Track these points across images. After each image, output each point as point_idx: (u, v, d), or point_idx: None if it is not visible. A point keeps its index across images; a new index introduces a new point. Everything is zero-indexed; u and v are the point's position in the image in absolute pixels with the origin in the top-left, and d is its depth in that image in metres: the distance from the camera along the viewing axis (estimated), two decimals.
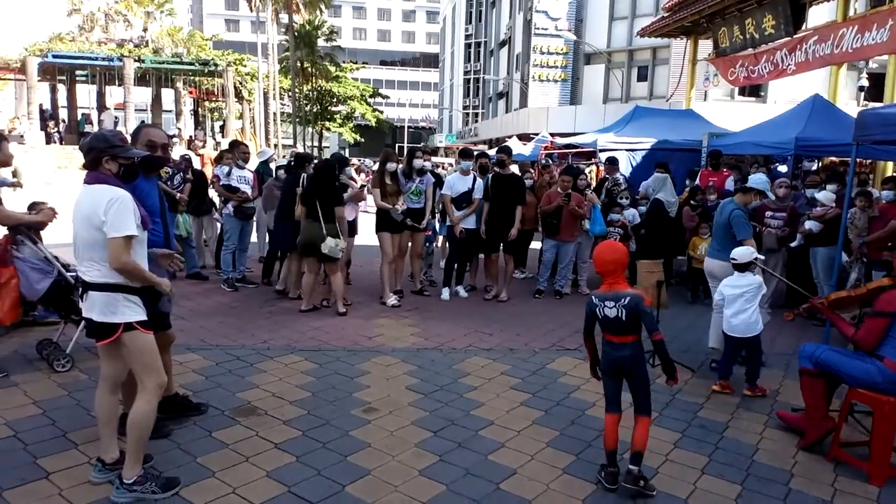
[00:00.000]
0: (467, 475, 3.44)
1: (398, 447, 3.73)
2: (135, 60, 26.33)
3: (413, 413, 4.24)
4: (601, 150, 11.18)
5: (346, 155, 12.27)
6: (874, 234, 6.58)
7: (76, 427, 3.76)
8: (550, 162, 12.56)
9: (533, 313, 7.16)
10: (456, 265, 7.77)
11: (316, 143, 47.72)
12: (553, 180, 8.73)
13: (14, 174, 9.18)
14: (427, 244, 8.36)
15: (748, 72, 12.90)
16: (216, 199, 8.62)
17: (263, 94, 35.43)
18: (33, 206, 4.92)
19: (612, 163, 9.92)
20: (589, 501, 3.25)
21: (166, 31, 34.92)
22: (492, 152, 11.38)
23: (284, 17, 39.01)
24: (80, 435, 3.66)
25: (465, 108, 48.71)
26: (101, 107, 28.91)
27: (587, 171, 9.96)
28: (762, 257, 5.20)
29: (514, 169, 8.26)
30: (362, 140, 51.07)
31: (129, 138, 3.55)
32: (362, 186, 8.61)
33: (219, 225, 8.54)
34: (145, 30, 35.58)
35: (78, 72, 28.34)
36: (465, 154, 7.88)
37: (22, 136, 23.25)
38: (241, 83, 29.89)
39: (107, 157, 3.03)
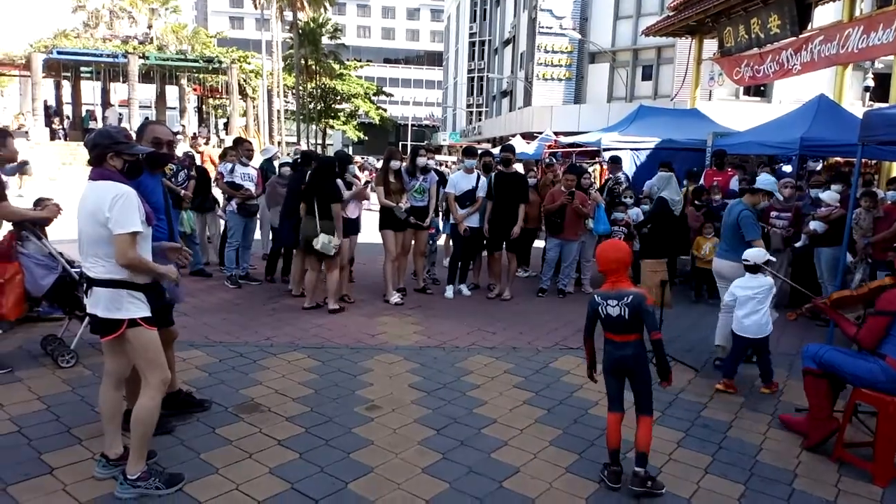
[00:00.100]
0: (470, 473, 3.44)
1: (401, 445, 3.73)
2: (139, 57, 26.37)
3: (416, 411, 4.25)
4: (605, 150, 11.16)
5: (350, 153, 12.28)
6: (879, 234, 6.56)
7: (80, 423, 3.77)
8: (554, 161, 12.55)
9: (536, 312, 7.16)
10: (459, 263, 7.77)
11: (319, 141, 47.76)
12: (557, 179, 8.72)
13: (23, 166, 9.22)
14: (430, 242, 8.35)
15: (753, 71, 12.86)
16: (220, 196, 8.63)
17: (267, 92, 35.46)
18: (38, 203, 4.94)
19: (615, 161, 9.90)
20: (592, 500, 3.25)
21: (171, 28, 35.04)
22: (495, 151, 11.38)
23: (289, 15, 39.06)
24: (85, 430, 3.67)
25: (468, 106, 48.67)
26: (106, 103, 28.99)
27: (591, 170, 9.94)
28: (774, 260, 5.20)
29: (519, 168, 8.25)
30: (366, 138, 51.09)
31: (133, 135, 3.55)
32: (366, 183, 8.59)
33: (222, 222, 8.55)
34: (150, 27, 35.67)
35: (82, 68, 28.39)
36: (468, 152, 7.86)
37: (27, 133, 23.29)
38: (245, 80, 29.93)
39: (111, 154, 3.04)
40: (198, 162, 10.11)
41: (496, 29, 41.87)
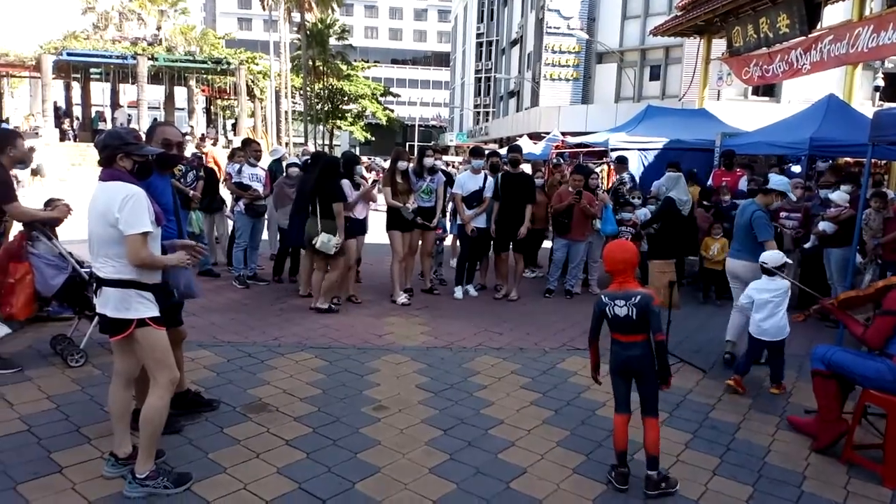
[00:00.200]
0: (477, 474, 3.44)
1: (408, 445, 3.74)
2: (148, 59, 26.52)
3: (423, 411, 4.25)
4: (613, 150, 11.14)
5: (357, 153, 12.30)
6: (889, 235, 6.52)
7: (89, 422, 3.79)
8: (561, 161, 12.53)
9: (543, 312, 7.15)
10: (467, 264, 7.77)
11: (327, 142, 47.87)
12: (564, 179, 8.71)
13: (37, 169, 9.31)
14: (437, 242, 8.36)
15: (762, 71, 12.80)
16: (228, 197, 8.67)
17: (275, 93, 35.56)
18: (49, 203, 4.98)
19: (621, 161, 9.87)
20: (599, 501, 3.24)
21: (179, 30, 35.19)
22: (503, 151, 11.37)
23: (297, 16, 39.14)
24: (94, 430, 3.69)
25: (476, 106, 48.65)
26: (115, 104, 29.14)
27: (598, 170, 9.92)
28: (791, 262, 5.19)
29: (526, 168, 8.24)
30: (373, 138, 51.15)
31: (143, 136, 3.58)
32: (374, 182, 8.59)
33: (230, 222, 8.58)
34: (159, 28, 35.83)
35: (92, 70, 28.57)
36: (476, 153, 7.85)
37: (38, 128, 23.41)
38: (253, 81, 30.02)
39: (121, 155, 3.06)
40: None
41: (503, 29, 41.83)
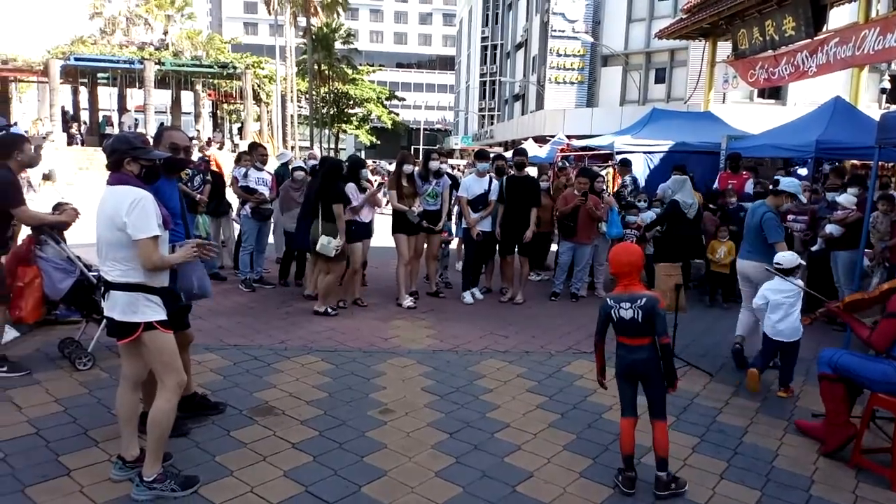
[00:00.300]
0: (483, 477, 3.44)
1: (414, 448, 3.74)
2: (155, 63, 26.67)
3: (429, 415, 4.25)
4: (618, 153, 11.12)
5: (363, 157, 12.34)
6: None
7: (97, 425, 3.81)
8: (567, 164, 12.51)
9: (549, 316, 7.14)
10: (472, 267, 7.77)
11: (332, 145, 47.99)
12: (569, 183, 8.70)
13: (49, 174, 9.38)
14: (443, 246, 8.36)
15: (768, 74, 12.76)
16: (234, 201, 8.70)
17: (281, 97, 35.66)
18: (57, 207, 5.01)
19: (625, 164, 9.85)
20: None
21: (186, 35, 35.32)
22: (508, 154, 11.37)
23: (302, 20, 39.30)
24: (101, 433, 3.70)
25: (480, 110, 48.69)
26: (122, 109, 29.35)
27: (603, 173, 9.91)
28: (804, 263, 5.19)
29: (533, 171, 8.23)
30: (378, 142, 51.28)
31: (150, 140, 3.60)
32: (379, 185, 8.60)
33: (237, 226, 8.61)
34: (165, 33, 36.03)
35: (99, 74, 28.76)
36: (481, 156, 7.86)
37: (50, 133, 23.52)
38: (259, 86, 30.14)
39: (129, 159, 3.08)
40: None
41: (508, 33, 41.88)
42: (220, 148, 19.90)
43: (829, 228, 6.90)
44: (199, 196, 7.55)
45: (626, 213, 8.29)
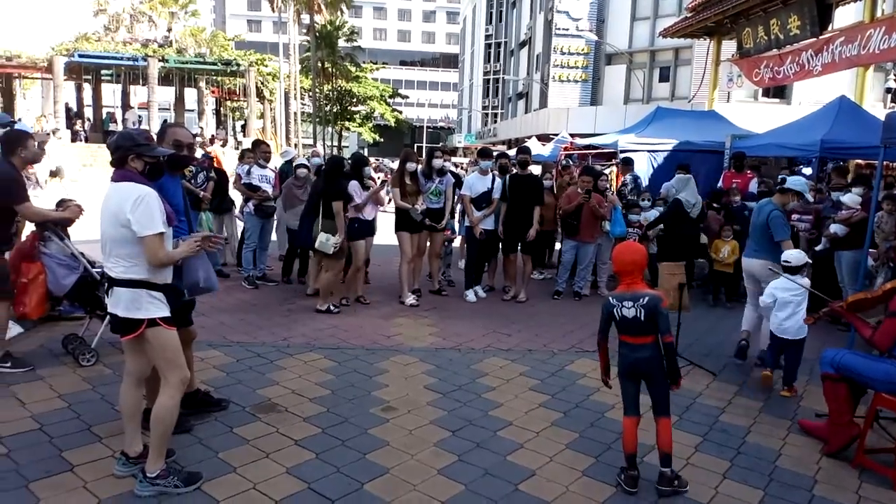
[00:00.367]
0: (486, 475, 3.44)
1: (417, 446, 3.74)
2: (159, 60, 26.72)
3: (431, 412, 4.25)
4: (622, 152, 11.10)
5: (366, 154, 12.34)
6: None
7: (101, 421, 3.82)
8: (570, 163, 12.50)
9: (551, 314, 7.14)
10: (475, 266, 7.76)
11: (336, 143, 48.00)
12: (573, 181, 8.69)
13: (57, 170, 9.40)
14: (446, 244, 8.36)
15: (773, 72, 12.73)
16: (237, 198, 8.71)
17: (284, 94, 35.71)
18: (61, 203, 5.02)
19: (627, 163, 9.82)
20: None
21: (190, 32, 35.35)
22: (511, 152, 11.34)
23: (306, 18, 39.29)
24: (105, 429, 3.71)
25: (484, 108, 48.65)
26: (126, 106, 29.37)
27: (607, 171, 9.90)
28: (810, 261, 5.20)
29: (536, 170, 8.22)
30: (381, 140, 51.27)
31: (154, 137, 3.60)
32: (382, 182, 8.60)
33: (240, 223, 8.62)
34: (169, 30, 36.04)
35: (103, 71, 28.82)
36: (484, 154, 7.85)
37: (56, 130, 23.55)
38: (262, 83, 30.19)
39: (132, 156, 3.08)
40: None
41: (512, 31, 41.82)
42: (224, 145, 19.90)
43: (834, 228, 6.88)
44: (202, 193, 7.55)
45: (628, 213, 8.28)
